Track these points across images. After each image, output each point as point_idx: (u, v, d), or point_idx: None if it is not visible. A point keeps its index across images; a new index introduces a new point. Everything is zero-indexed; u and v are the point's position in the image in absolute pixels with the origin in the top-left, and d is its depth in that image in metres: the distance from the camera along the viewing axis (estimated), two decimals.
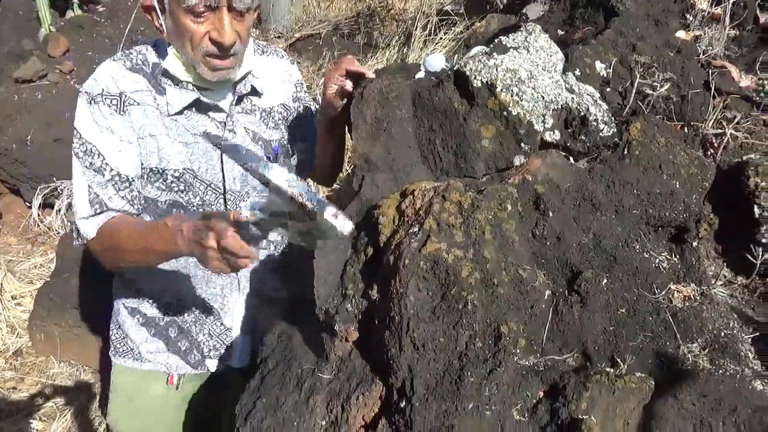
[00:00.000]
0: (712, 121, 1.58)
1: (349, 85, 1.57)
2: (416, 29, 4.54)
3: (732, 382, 1.14)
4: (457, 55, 3.11)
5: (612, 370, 1.14)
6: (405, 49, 4.63)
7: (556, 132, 1.46)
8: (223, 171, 1.62)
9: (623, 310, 1.25)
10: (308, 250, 1.40)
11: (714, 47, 1.82)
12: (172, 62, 1.55)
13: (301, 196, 1.03)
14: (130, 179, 1.56)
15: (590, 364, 1.18)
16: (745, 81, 1.73)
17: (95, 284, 2.99)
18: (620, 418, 1.08)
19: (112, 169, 1.54)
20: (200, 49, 1.47)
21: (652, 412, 1.11)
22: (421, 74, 1.62)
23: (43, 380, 3.10)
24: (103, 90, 1.53)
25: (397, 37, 4.88)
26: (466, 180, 1.45)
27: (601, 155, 1.45)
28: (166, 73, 1.57)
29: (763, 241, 1.37)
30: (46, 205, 3.99)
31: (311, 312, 1.33)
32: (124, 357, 1.77)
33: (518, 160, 1.47)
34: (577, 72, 1.60)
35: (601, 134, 1.45)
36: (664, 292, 1.27)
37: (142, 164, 1.57)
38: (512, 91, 1.44)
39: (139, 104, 1.55)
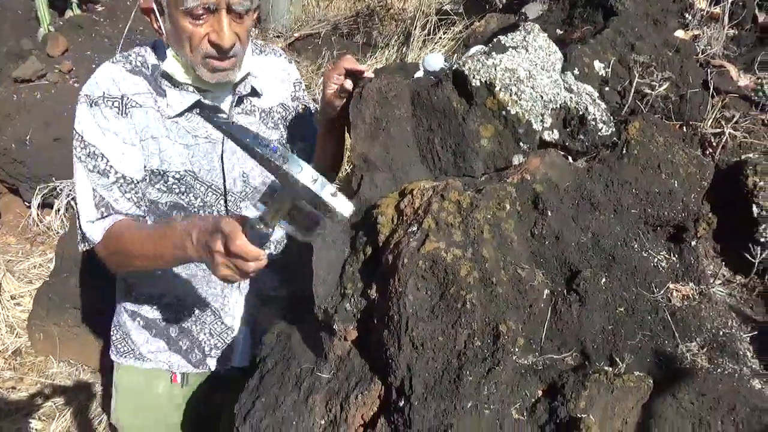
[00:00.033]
0: (710, 121, 1.58)
1: (348, 84, 1.57)
2: (415, 29, 4.54)
3: (730, 380, 1.14)
4: (456, 55, 3.11)
5: (611, 369, 1.14)
6: (404, 49, 4.63)
7: (555, 131, 1.46)
8: (223, 172, 1.62)
9: (622, 309, 1.25)
10: (308, 250, 1.40)
11: (713, 47, 1.82)
12: (172, 64, 1.54)
13: (299, 176, 1.02)
14: (135, 181, 1.55)
15: (589, 363, 1.19)
16: (744, 80, 1.73)
17: (94, 284, 2.99)
18: (619, 417, 1.08)
19: (117, 171, 1.52)
20: (199, 51, 1.46)
21: (650, 411, 1.11)
22: (419, 74, 1.62)
23: (42, 380, 3.10)
24: (104, 93, 1.52)
25: (396, 37, 4.88)
26: (465, 179, 1.45)
27: (599, 154, 1.46)
28: (165, 75, 1.56)
29: (762, 240, 1.37)
30: (46, 204, 3.99)
31: (310, 311, 1.33)
32: (125, 356, 1.78)
33: (517, 160, 1.47)
34: (576, 71, 1.60)
35: (599, 133, 1.45)
36: (662, 291, 1.28)
37: (144, 166, 1.56)
38: (511, 90, 1.44)
39: (141, 106, 1.54)
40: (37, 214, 3.96)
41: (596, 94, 1.53)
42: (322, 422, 1.18)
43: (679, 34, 1.87)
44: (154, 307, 1.72)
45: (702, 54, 1.80)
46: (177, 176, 1.58)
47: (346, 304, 1.28)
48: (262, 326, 1.70)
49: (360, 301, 1.28)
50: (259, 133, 1.65)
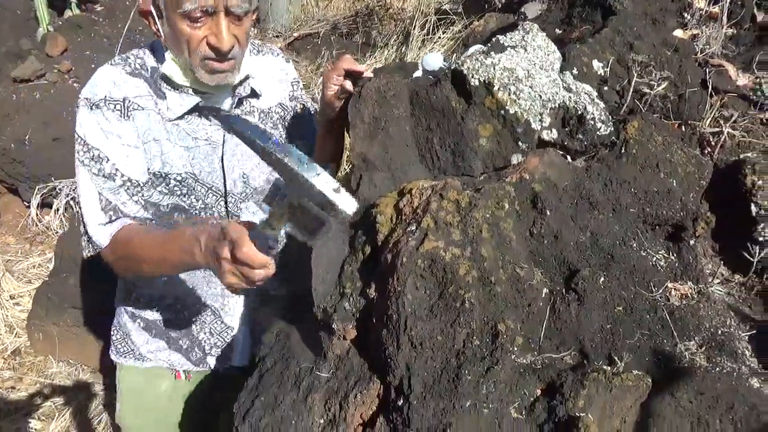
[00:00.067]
0: (709, 120, 1.58)
1: (347, 84, 1.57)
2: (414, 28, 4.54)
3: (729, 379, 1.14)
4: (455, 55, 3.11)
5: (609, 368, 1.14)
6: (403, 49, 4.63)
7: (554, 131, 1.46)
8: (224, 174, 1.62)
9: (620, 308, 1.25)
10: (307, 249, 1.40)
11: (711, 46, 1.82)
12: (170, 67, 1.53)
13: (300, 169, 0.99)
14: (141, 184, 1.54)
15: (587, 362, 1.19)
16: (743, 80, 1.73)
17: (93, 284, 2.99)
18: (617, 415, 1.08)
19: (123, 175, 1.51)
20: (197, 53, 1.45)
21: (649, 410, 1.11)
22: (418, 73, 1.62)
23: (41, 380, 3.11)
24: (105, 96, 1.51)
25: (395, 37, 4.88)
26: (464, 179, 1.46)
27: (598, 154, 1.46)
28: (164, 78, 1.55)
29: (760, 239, 1.37)
30: (45, 204, 3.99)
31: (309, 311, 1.33)
32: (125, 357, 1.78)
33: (516, 159, 1.47)
34: (575, 71, 1.61)
35: (598, 133, 1.45)
36: (661, 290, 1.28)
37: (147, 169, 1.56)
38: (510, 89, 1.44)
39: (142, 109, 1.53)
40: (37, 214, 3.96)
41: (595, 94, 1.53)
42: (321, 421, 1.18)
43: (678, 33, 1.87)
44: (155, 308, 1.73)
45: (701, 53, 1.80)
46: (178, 179, 1.58)
47: (345, 304, 1.28)
48: (261, 325, 1.70)
49: (359, 301, 1.28)
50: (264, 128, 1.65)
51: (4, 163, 3.85)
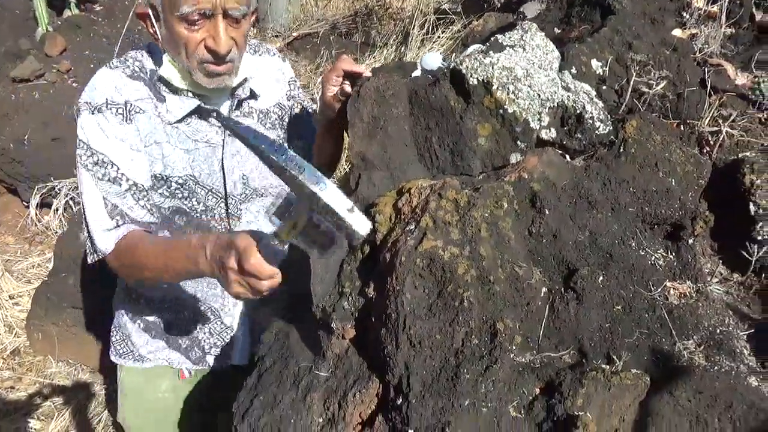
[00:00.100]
0: (707, 119, 1.58)
1: (346, 87, 1.57)
2: (414, 28, 4.54)
3: (727, 378, 1.14)
4: (454, 54, 3.11)
5: (608, 366, 1.14)
6: (402, 48, 4.63)
7: (552, 130, 1.46)
8: (224, 175, 1.62)
9: (619, 307, 1.25)
10: None
11: (710, 45, 1.82)
12: (168, 69, 1.52)
13: (314, 188, 0.97)
14: (146, 188, 1.52)
15: (586, 361, 1.19)
16: (741, 79, 1.73)
17: (93, 284, 2.99)
18: (616, 414, 1.08)
19: (128, 179, 1.49)
20: (195, 56, 1.44)
21: (647, 409, 1.11)
22: (417, 73, 1.62)
23: (40, 379, 3.11)
24: (107, 99, 1.49)
25: (394, 36, 4.88)
26: (463, 178, 1.46)
27: (597, 153, 1.46)
28: (162, 80, 1.54)
29: (759, 238, 1.37)
30: (44, 204, 3.99)
31: (308, 310, 1.33)
32: (124, 358, 1.78)
33: (514, 158, 1.47)
34: (574, 70, 1.61)
35: (597, 132, 1.45)
36: (659, 290, 1.28)
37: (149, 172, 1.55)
38: (508, 89, 1.44)
39: (143, 112, 1.52)
40: (36, 214, 3.96)
41: (594, 93, 1.53)
42: (320, 420, 1.18)
43: (677, 32, 1.87)
44: (155, 308, 1.72)
45: (699, 53, 1.80)
46: (179, 181, 1.57)
47: (344, 303, 1.29)
48: (261, 325, 1.70)
49: (358, 300, 1.28)
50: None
51: (4, 163, 3.85)
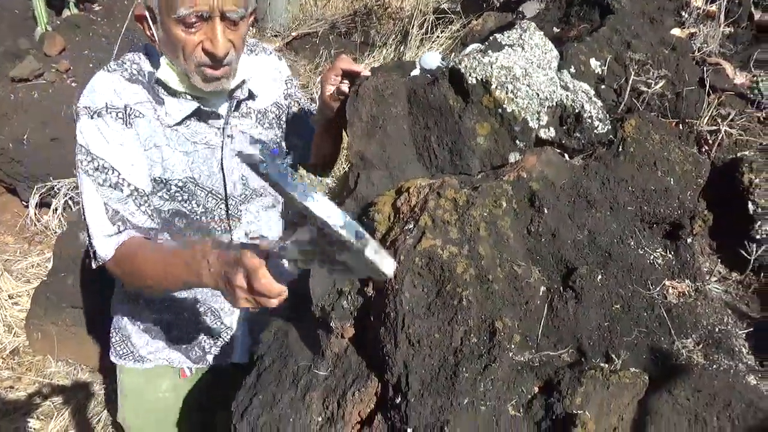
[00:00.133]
0: (706, 118, 1.58)
1: (343, 86, 1.57)
2: (413, 28, 4.55)
3: (726, 377, 1.14)
4: (453, 53, 3.11)
5: (606, 365, 1.15)
6: (402, 48, 4.63)
7: (551, 129, 1.46)
8: (224, 177, 1.61)
9: (618, 306, 1.26)
10: None
11: (709, 45, 1.82)
12: (166, 72, 1.51)
13: (342, 229, 0.94)
14: (147, 193, 1.51)
15: (585, 360, 1.19)
16: (740, 78, 1.73)
17: (92, 283, 2.99)
18: (615, 413, 1.08)
19: (129, 184, 1.48)
20: (193, 59, 1.43)
21: (646, 407, 1.12)
22: (416, 72, 1.62)
23: (40, 379, 3.11)
24: (106, 104, 1.47)
25: (394, 36, 4.89)
26: (462, 177, 1.46)
27: (596, 152, 1.46)
28: (160, 83, 1.52)
29: (757, 237, 1.37)
30: (43, 204, 3.99)
31: (307, 309, 1.33)
32: (124, 359, 1.78)
33: (513, 158, 1.48)
34: (572, 69, 1.61)
35: (595, 131, 1.45)
36: (658, 288, 1.28)
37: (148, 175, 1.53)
38: (507, 88, 1.44)
39: (143, 116, 1.51)
40: (35, 214, 3.96)
41: (592, 92, 1.53)
42: (319, 419, 1.18)
43: (676, 32, 1.87)
44: (154, 309, 1.72)
45: (698, 52, 1.80)
46: (179, 184, 1.56)
47: (343, 302, 1.29)
48: (260, 324, 1.70)
49: (357, 299, 1.28)
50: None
51: (3, 163, 3.85)
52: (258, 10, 5.63)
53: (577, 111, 1.45)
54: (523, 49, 1.55)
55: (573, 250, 1.33)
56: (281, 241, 1.08)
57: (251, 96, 1.66)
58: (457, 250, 1.20)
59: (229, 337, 1.76)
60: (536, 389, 1.13)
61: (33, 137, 3.78)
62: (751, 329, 1.26)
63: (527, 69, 1.49)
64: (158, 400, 1.79)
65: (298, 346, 1.37)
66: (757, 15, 1.95)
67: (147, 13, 1.45)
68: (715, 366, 1.17)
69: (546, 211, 1.34)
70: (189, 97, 1.54)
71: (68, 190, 3.83)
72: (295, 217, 1.04)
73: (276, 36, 5.43)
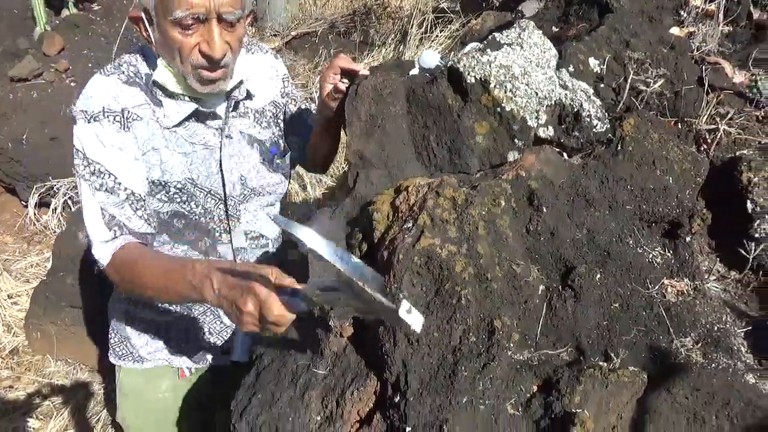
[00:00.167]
0: (705, 117, 1.59)
1: (340, 84, 1.57)
2: (412, 27, 4.55)
3: (725, 375, 1.15)
4: (452, 53, 3.11)
5: (605, 364, 1.15)
6: (401, 47, 4.64)
7: (550, 128, 1.46)
8: (222, 178, 1.61)
9: (617, 305, 1.26)
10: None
11: (708, 44, 1.82)
12: (163, 74, 1.49)
13: (379, 293, 0.97)
14: (143, 197, 1.50)
15: (584, 359, 1.19)
16: (739, 77, 1.73)
17: (92, 283, 2.99)
18: (613, 411, 1.08)
19: (126, 188, 1.46)
20: (189, 61, 1.42)
21: (645, 406, 1.12)
22: (415, 71, 1.62)
23: (39, 379, 3.10)
24: (103, 107, 1.46)
25: (393, 35, 4.89)
26: (460, 176, 1.46)
27: (594, 151, 1.46)
28: (157, 85, 1.51)
29: (756, 235, 1.37)
30: (42, 204, 3.99)
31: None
32: (124, 359, 1.77)
33: (512, 156, 1.48)
34: (571, 68, 1.61)
35: (594, 130, 1.45)
36: (657, 287, 1.28)
37: (146, 179, 1.52)
38: (506, 87, 1.44)
39: (141, 119, 1.49)
40: (34, 213, 3.96)
41: (591, 91, 1.53)
42: (318, 418, 1.18)
43: (674, 31, 1.88)
44: (153, 310, 1.72)
45: (697, 51, 1.81)
46: (178, 186, 1.55)
47: None
48: None
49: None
50: (250, 148, 1.62)
51: (2, 163, 3.85)
52: (257, 10, 5.63)
53: (575, 110, 1.45)
54: (521, 48, 1.55)
55: (572, 248, 1.33)
56: (309, 288, 1.10)
57: (249, 96, 1.65)
58: (455, 249, 1.20)
59: (228, 336, 1.76)
60: (535, 388, 1.13)
61: (32, 137, 3.78)
62: (750, 328, 1.26)
63: (526, 68, 1.49)
64: (158, 400, 1.79)
65: (297, 345, 1.37)
66: (756, 14, 1.95)
67: (143, 15, 1.44)
68: (713, 365, 1.17)
69: (545, 209, 1.34)
70: (187, 98, 1.53)
71: (67, 189, 3.83)
72: (330, 281, 1.06)
73: (275, 35, 5.42)
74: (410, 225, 1.24)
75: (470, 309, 1.14)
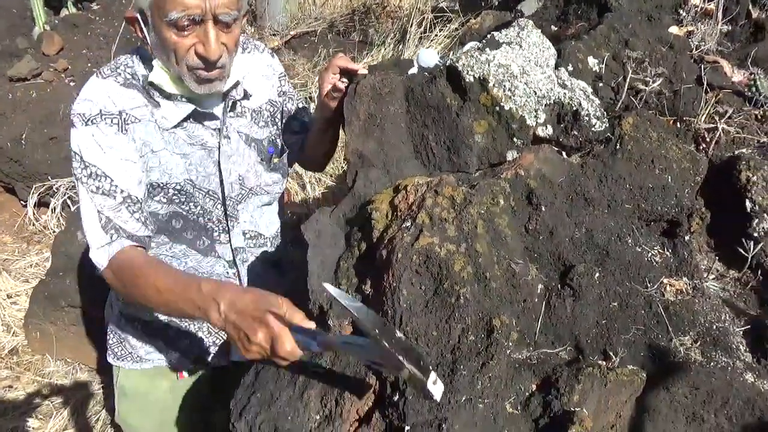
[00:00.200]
0: (704, 116, 1.59)
1: (339, 83, 1.56)
2: (411, 26, 4.55)
3: (723, 374, 1.15)
4: (451, 51, 3.11)
5: (604, 363, 1.15)
6: (400, 47, 4.63)
7: (549, 127, 1.46)
8: (221, 178, 1.60)
9: (615, 304, 1.26)
10: (303, 246, 1.40)
11: (707, 42, 1.83)
12: (159, 75, 1.48)
13: (417, 370, 1.00)
14: (140, 200, 1.48)
15: (582, 358, 1.19)
16: (738, 76, 1.73)
17: (91, 282, 2.99)
18: (612, 410, 1.08)
19: (122, 191, 1.44)
20: (185, 62, 1.41)
21: (644, 405, 1.12)
22: (414, 70, 1.62)
23: (39, 378, 3.10)
24: (101, 110, 1.44)
25: (392, 35, 4.88)
26: (459, 175, 1.46)
27: (593, 150, 1.46)
28: (153, 86, 1.50)
29: (755, 234, 1.37)
30: (42, 203, 3.99)
31: (305, 307, 1.33)
32: (123, 360, 1.77)
33: (511, 155, 1.48)
34: (570, 67, 1.61)
35: (593, 129, 1.45)
36: (656, 286, 1.28)
37: (141, 180, 1.50)
38: (505, 86, 1.44)
39: (139, 121, 1.48)
40: (33, 213, 3.96)
41: (590, 90, 1.53)
42: (317, 417, 1.18)
43: (673, 30, 1.88)
44: (152, 311, 1.71)
45: (696, 50, 1.81)
46: (177, 187, 1.54)
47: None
48: None
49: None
50: (247, 147, 1.62)
51: (1, 163, 3.84)
52: (257, 9, 5.63)
53: (574, 109, 1.45)
54: (520, 47, 1.55)
55: (570, 247, 1.33)
56: (336, 339, 1.13)
57: (246, 95, 1.64)
58: (454, 248, 1.20)
59: (227, 335, 1.75)
60: (534, 387, 1.13)
61: (31, 137, 3.78)
62: (749, 327, 1.26)
63: (525, 67, 1.49)
64: (158, 400, 1.79)
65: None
66: (755, 13, 1.95)
67: (138, 16, 1.43)
68: (712, 363, 1.17)
69: (543, 208, 1.34)
70: (184, 99, 1.52)
71: (66, 189, 3.83)
72: (362, 340, 1.08)
73: (274, 35, 5.42)
74: (409, 224, 1.24)
75: (469, 308, 1.15)
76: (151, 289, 1.36)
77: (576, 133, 1.45)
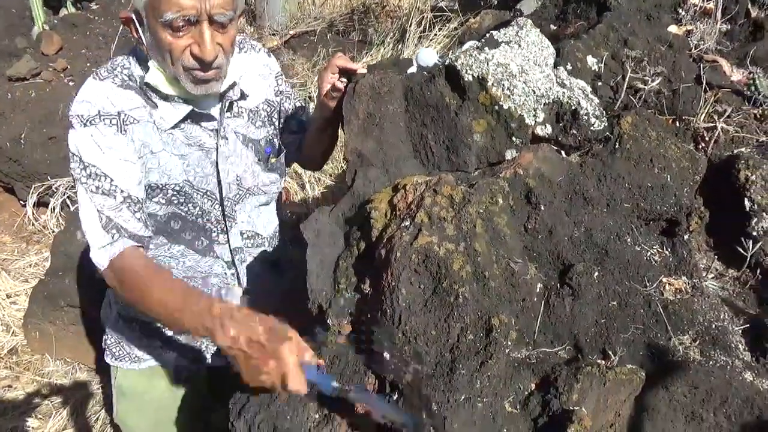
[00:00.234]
0: (703, 115, 1.59)
1: (338, 83, 1.56)
2: (411, 26, 4.55)
3: (722, 373, 1.15)
4: (450, 51, 3.11)
5: (603, 362, 1.15)
6: (400, 46, 4.63)
7: (548, 126, 1.46)
8: (219, 179, 1.60)
9: (614, 303, 1.26)
10: (302, 245, 1.40)
11: (706, 42, 1.83)
12: (155, 76, 1.47)
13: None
14: (140, 200, 1.48)
15: (582, 357, 1.19)
16: (737, 75, 1.73)
17: (90, 282, 2.98)
18: (611, 409, 1.08)
19: (123, 191, 1.44)
20: (181, 63, 1.40)
21: (643, 404, 1.12)
22: (413, 69, 1.62)
23: (38, 378, 3.10)
24: (99, 111, 1.44)
25: (391, 34, 4.88)
26: (458, 174, 1.46)
27: (592, 149, 1.46)
28: (149, 87, 1.49)
29: (754, 233, 1.37)
30: (41, 203, 3.98)
31: (305, 306, 1.33)
32: (121, 360, 1.77)
33: (510, 154, 1.47)
34: (569, 66, 1.61)
35: (592, 128, 1.45)
36: (655, 285, 1.28)
37: (140, 181, 1.50)
38: (503, 85, 1.44)
39: (138, 122, 1.48)
40: (33, 213, 3.96)
41: (589, 89, 1.53)
42: (317, 416, 1.18)
43: (672, 29, 1.88)
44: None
45: (695, 49, 1.81)
46: (176, 188, 1.54)
47: (340, 299, 1.29)
48: None
49: (354, 296, 1.28)
50: (245, 148, 1.62)
51: (0, 162, 3.84)
52: (256, 9, 5.63)
53: (573, 108, 1.45)
54: (519, 46, 1.55)
55: (569, 247, 1.33)
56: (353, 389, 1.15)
57: (242, 96, 1.63)
58: (453, 247, 1.20)
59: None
60: (533, 386, 1.13)
61: (30, 136, 3.78)
62: (748, 326, 1.26)
63: (524, 66, 1.49)
64: (157, 400, 1.79)
65: None
66: (754, 12, 1.95)
67: (133, 16, 1.42)
68: (711, 362, 1.17)
69: (542, 207, 1.34)
70: (180, 100, 1.52)
71: (66, 189, 3.83)
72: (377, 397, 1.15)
73: (274, 34, 5.42)
74: (408, 223, 1.24)
75: (468, 307, 1.14)
76: (153, 297, 1.36)
77: (575, 132, 1.45)
